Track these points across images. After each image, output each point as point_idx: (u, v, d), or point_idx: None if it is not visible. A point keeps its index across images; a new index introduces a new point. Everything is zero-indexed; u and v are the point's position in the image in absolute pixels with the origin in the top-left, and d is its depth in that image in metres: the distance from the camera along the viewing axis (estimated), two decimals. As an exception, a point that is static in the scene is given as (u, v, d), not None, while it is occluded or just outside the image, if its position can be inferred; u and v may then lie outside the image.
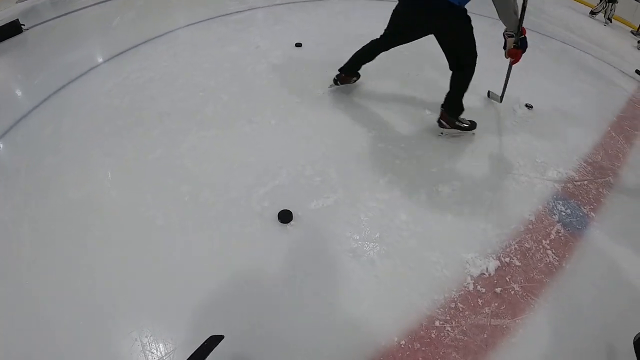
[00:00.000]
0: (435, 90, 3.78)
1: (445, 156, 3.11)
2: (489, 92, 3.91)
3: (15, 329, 2.16)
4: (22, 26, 5.25)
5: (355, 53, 3.46)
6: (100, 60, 4.46)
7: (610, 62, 5.34)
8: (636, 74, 5.08)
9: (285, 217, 2.57)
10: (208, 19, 5.33)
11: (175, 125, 3.34)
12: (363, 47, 3.41)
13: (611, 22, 7.90)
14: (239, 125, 3.32)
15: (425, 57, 4.35)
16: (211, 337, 1.77)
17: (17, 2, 5.94)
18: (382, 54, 3.40)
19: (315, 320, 2.15)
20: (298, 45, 4.51)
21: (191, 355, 1.64)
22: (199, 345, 1.72)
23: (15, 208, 2.77)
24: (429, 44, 3.18)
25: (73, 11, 5.74)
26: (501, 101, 3.76)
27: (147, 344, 2.05)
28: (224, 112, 3.49)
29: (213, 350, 1.70)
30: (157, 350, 2.02)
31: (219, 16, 5.40)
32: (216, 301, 2.21)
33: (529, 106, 3.69)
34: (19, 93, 4.16)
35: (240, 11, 5.59)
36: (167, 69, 4.13)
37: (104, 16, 5.58)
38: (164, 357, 2.00)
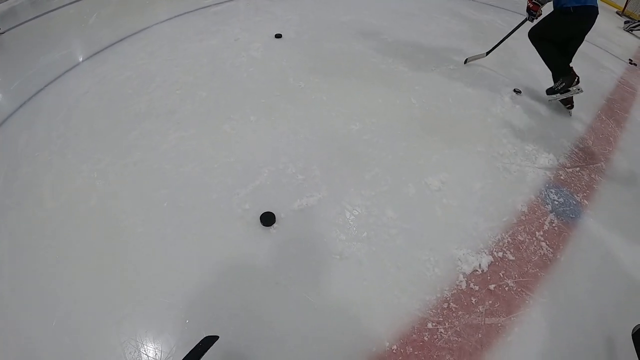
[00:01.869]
0: (419, 80, 3.69)
1: (432, 148, 3.00)
2: (466, 59, 3.95)
3: None
4: None
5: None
6: (77, 60, 4.34)
7: (598, 43, 5.27)
8: (629, 63, 5.02)
9: (267, 219, 2.48)
10: (186, 13, 5.20)
11: (153, 126, 3.23)
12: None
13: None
14: (218, 124, 3.21)
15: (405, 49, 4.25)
16: (206, 337, 1.76)
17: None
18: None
19: (301, 327, 2.07)
20: (278, 36, 4.40)
21: (186, 356, 1.63)
22: (192, 347, 1.71)
23: None
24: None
25: (50, 11, 5.58)
26: (487, 54, 3.94)
27: (132, 358, 1.98)
28: (203, 109, 3.38)
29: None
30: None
31: (198, 9, 5.27)
32: (198, 310, 2.14)
33: (517, 91, 3.61)
34: None
35: (220, 3, 5.45)
36: (145, 67, 4.01)
37: (80, 15, 5.43)
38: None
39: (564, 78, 3.44)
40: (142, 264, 2.34)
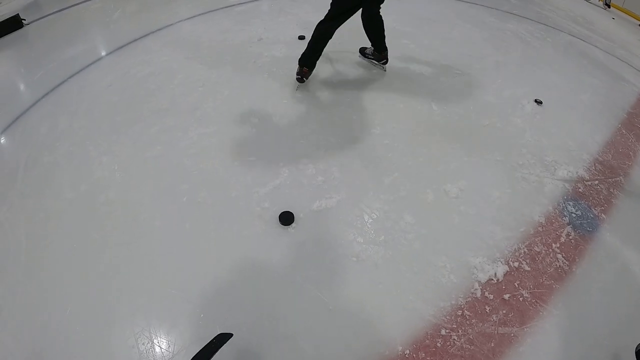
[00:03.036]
0: (440, 87, 3.70)
1: (451, 154, 3.01)
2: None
3: (11, 331, 2.15)
4: (22, 21, 5.21)
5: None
6: (100, 54, 4.41)
7: (619, 55, 5.20)
8: None
9: (286, 219, 2.50)
10: (210, 11, 5.24)
11: (175, 121, 3.27)
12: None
13: (609, 7, 7.69)
14: (240, 122, 3.25)
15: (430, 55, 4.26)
16: (219, 334, 1.77)
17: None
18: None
19: (315, 327, 2.09)
20: (301, 37, 4.42)
21: (199, 352, 1.64)
22: (206, 343, 1.71)
23: (12, 209, 2.74)
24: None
25: (74, 5, 5.66)
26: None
27: (145, 349, 2.01)
28: (225, 107, 3.41)
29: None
30: (155, 354, 1.99)
31: (222, 8, 5.31)
32: (214, 305, 2.17)
33: (538, 102, 3.58)
34: (19, 89, 4.13)
35: (244, 2, 5.48)
36: (168, 63, 4.05)
37: (105, 9, 5.51)
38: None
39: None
40: (159, 258, 2.38)
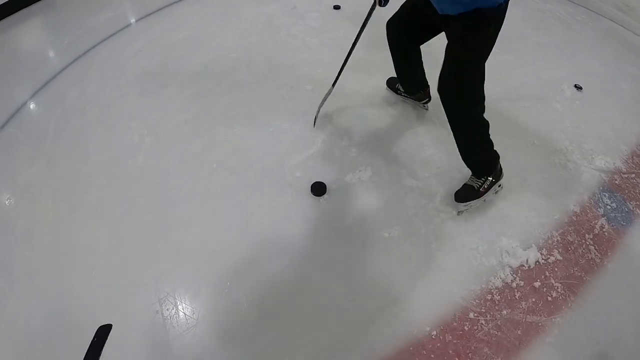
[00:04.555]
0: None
1: (491, 132, 2.91)
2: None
3: (36, 292, 2.20)
4: None
5: None
6: (130, 20, 4.37)
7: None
8: None
9: (318, 189, 2.46)
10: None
11: (205, 87, 3.26)
12: None
13: None
14: (274, 89, 3.22)
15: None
16: (99, 328, 1.67)
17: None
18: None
19: (342, 301, 2.08)
20: (336, 7, 4.30)
21: (86, 354, 1.53)
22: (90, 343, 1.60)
23: (40, 172, 2.80)
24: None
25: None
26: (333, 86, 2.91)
27: (169, 315, 2.04)
28: (258, 74, 3.40)
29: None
30: (179, 320, 2.02)
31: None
32: (240, 274, 2.18)
33: (578, 87, 3.46)
34: (48, 54, 4.16)
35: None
36: (199, 30, 4.03)
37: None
38: (187, 330, 1.99)
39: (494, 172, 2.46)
40: (186, 224, 2.39)
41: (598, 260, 2.32)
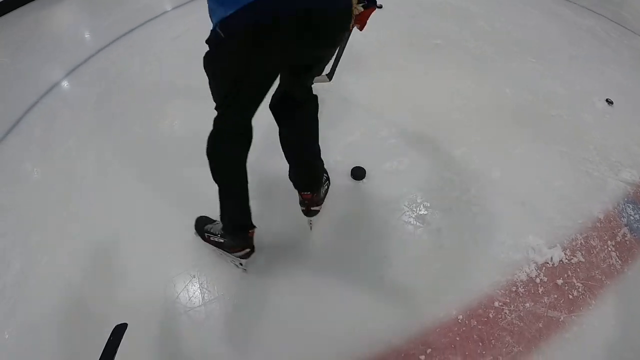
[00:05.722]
0: (511, 71, 3.67)
1: (518, 139, 3.02)
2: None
3: (68, 251, 2.37)
4: None
5: None
6: (169, 7, 4.48)
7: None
8: None
9: (358, 173, 2.57)
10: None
11: None
12: None
13: None
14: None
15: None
16: (115, 328, 1.62)
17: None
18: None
19: (375, 282, 2.19)
20: (379, 7, 4.36)
21: (102, 354, 1.50)
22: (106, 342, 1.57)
23: (80, 139, 2.96)
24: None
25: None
26: (331, 79, 3.02)
27: (204, 282, 2.18)
28: None
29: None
30: (213, 290, 2.15)
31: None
32: (279, 252, 2.31)
33: (609, 101, 3.51)
34: (89, 34, 4.35)
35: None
36: None
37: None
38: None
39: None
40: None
41: (619, 267, 2.38)
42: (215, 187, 1.94)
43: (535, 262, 2.30)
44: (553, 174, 2.80)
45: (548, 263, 2.31)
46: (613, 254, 2.44)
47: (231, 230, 2.05)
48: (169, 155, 2.80)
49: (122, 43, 3.98)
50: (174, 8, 4.51)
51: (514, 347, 1.98)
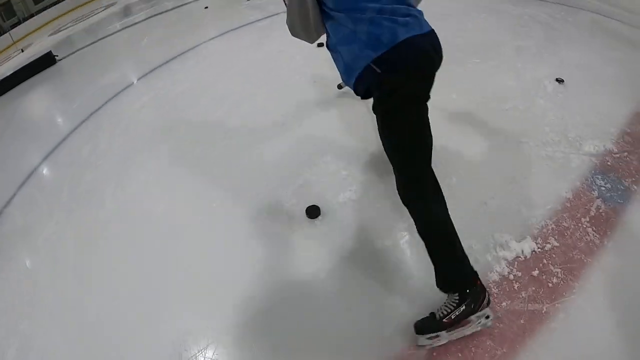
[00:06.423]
0: (458, 76, 3.70)
1: (474, 141, 3.03)
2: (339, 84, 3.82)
3: (60, 328, 2.44)
4: (55, 57, 5.59)
5: None
6: (132, 80, 4.72)
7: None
8: None
9: (312, 212, 2.66)
10: (232, 30, 5.47)
11: (203, 135, 3.52)
12: None
13: None
14: (265, 129, 3.45)
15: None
16: None
17: (49, 35, 6.41)
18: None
19: (350, 302, 2.22)
20: (320, 45, 4.50)
21: None
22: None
23: (59, 223, 3.10)
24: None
25: (104, 37, 6.04)
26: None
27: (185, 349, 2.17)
28: (252, 117, 3.64)
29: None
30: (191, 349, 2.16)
31: (243, 26, 5.52)
32: (248, 297, 2.33)
33: (559, 80, 3.52)
34: (58, 119, 4.60)
35: (262, 19, 5.67)
36: (195, 82, 4.38)
37: (133, 38, 5.86)
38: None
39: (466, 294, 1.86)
40: (195, 259, 2.60)
41: (597, 241, 2.33)
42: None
43: (506, 259, 2.26)
44: (514, 167, 2.79)
45: (520, 257, 2.27)
46: (589, 229, 2.40)
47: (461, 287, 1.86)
48: (141, 232, 2.88)
49: (92, 121, 4.23)
50: (139, 79, 4.73)
51: (497, 349, 1.92)
